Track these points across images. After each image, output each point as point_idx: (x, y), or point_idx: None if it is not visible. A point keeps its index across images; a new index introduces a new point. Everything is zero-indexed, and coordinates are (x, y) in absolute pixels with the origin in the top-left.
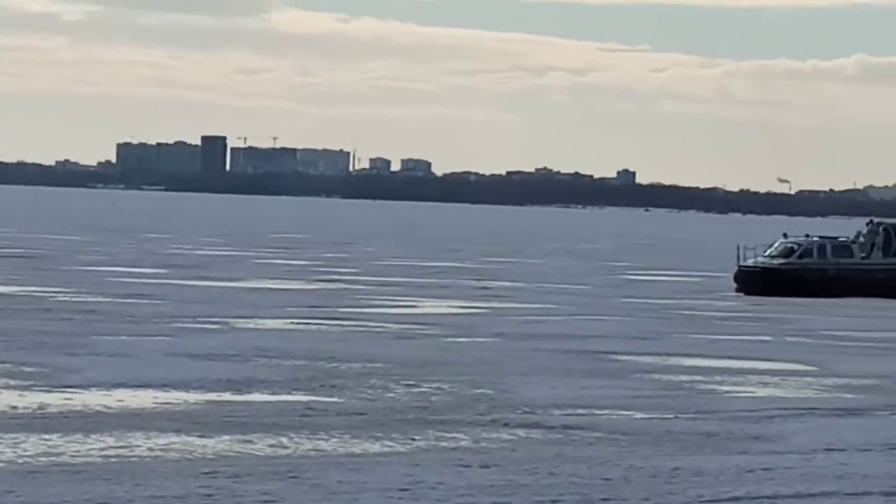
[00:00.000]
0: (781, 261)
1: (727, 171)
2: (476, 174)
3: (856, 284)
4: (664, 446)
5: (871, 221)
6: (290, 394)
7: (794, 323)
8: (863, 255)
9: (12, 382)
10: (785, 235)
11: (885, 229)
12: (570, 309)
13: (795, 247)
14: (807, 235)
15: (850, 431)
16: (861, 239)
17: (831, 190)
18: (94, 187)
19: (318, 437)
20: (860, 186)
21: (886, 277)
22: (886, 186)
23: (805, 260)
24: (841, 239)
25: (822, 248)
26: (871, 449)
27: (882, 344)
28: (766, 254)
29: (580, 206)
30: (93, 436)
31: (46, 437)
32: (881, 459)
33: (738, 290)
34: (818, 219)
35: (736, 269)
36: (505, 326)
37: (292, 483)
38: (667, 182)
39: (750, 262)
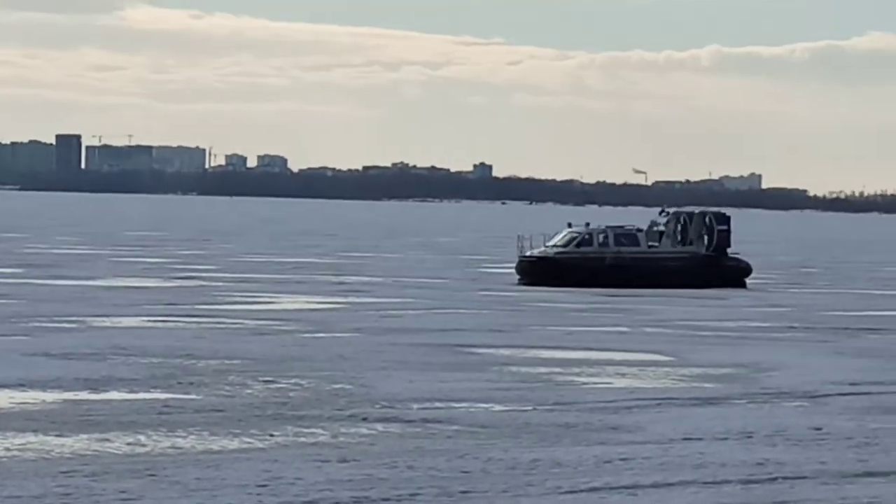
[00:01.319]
0: (559, 250)
1: (583, 163)
2: (333, 169)
3: (638, 273)
4: (522, 438)
5: (664, 211)
6: (147, 392)
7: (652, 314)
8: (651, 244)
9: None
10: (569, 225)
11: (681, 219)
12: (428, 303)
13: (576, 236)
14: (587, 224)
15: (707, 420)
16: (656, 228)
17: (687, 181)
18: None
19: (176, 434)
20: (716, 177)
21: (677, 266)
22: (742, 176)
23: (583, 249)
24: (628, 228)
25: (604, 236)
26: (729, 437)
27: (738, 333)
28: (549, 243)
29: (437, 200)
30: None
31: None
32: (738, 448)
33: (519, 281)
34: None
35: (517, 259)
36: (363, 321)
37: (150, 481)
38: (523, 175)
39: (536, 251)
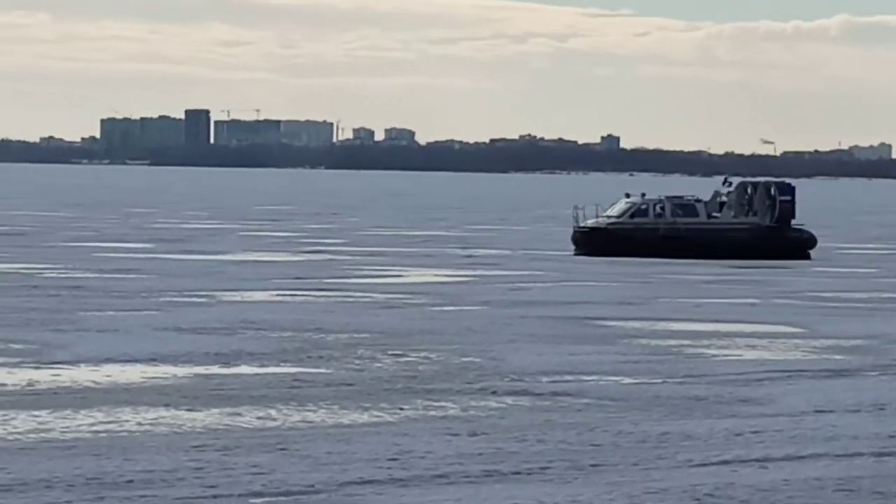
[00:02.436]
0: (612, 220)
1: (711, 133)
2: (460, 142)
3: (695, 244)
4: (653, 411)
5: (727, 181)
6: (277, 366)
7: (782, 285)
8: (713, 214)
9: (1, 360)
10: (627, 195)
11: (747, 189)
12: (556, 275)
13: (631, 206)
14: (642, 195)
15: (839, 393)
16: (719, 199)
17: (816, 151)
18: (79, 163)
19: (306, 408)
20: (845, 147)
21: (737, 237)
22: (871, 146)
23: (637, 219)
24: (687, 198)
25: (660, 207)
26: (861, 410)
27: (869, 304)
28: (605, 214)
29: (565, 172)
30: (82, 411)
31: (36, 413)
32: (871, 420)
33: (575, 252)
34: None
35: (573, 230)
36: (492, 294)
37: (281, 455)
38: (651, 146)
39: (590, 222)
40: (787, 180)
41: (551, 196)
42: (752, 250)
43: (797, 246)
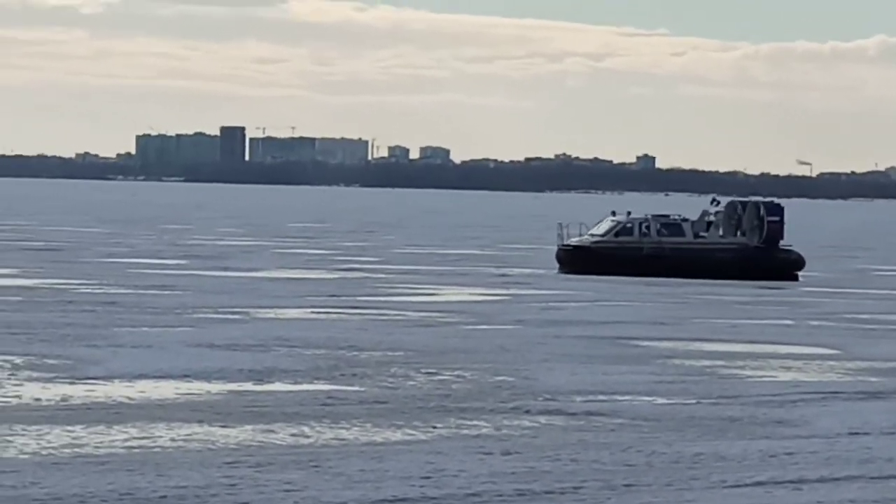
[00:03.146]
0: (596, 238)
1: (747, 154)
2: (495, 161)
3: (680, 263)
4: (686, 432)
5: (715, 200)
6: (311, 383)
7: (817, 307)
8: (700, 234)
9: (35, 375)
10: (613, 213)
11: (736, 208)
12: (590, 295)
13: (616, 224)
14: (628, 213)
15: (874, 415)
16: (707, 218)
17: (853, 172)
18: (114, 179)
19: (339, 425)
20: (882, 168)
21: (723, 257)
22: None
23: (621, 238)
24: (673, 217)
25: (645, 226)
26: (895, 433)
27: None
28: (590, 232)
29: (600, 192)
30: (116, 427)
31: (70, 428)
32: None
33: (559, 269)
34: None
35: (557, 248)
36: (525, 313)
37: (314, 472)
38: (686, 166)
39: (574, 240)
40: (777, 200)
41: (586, 216)
42: (739, 271)
43: (785, 267)
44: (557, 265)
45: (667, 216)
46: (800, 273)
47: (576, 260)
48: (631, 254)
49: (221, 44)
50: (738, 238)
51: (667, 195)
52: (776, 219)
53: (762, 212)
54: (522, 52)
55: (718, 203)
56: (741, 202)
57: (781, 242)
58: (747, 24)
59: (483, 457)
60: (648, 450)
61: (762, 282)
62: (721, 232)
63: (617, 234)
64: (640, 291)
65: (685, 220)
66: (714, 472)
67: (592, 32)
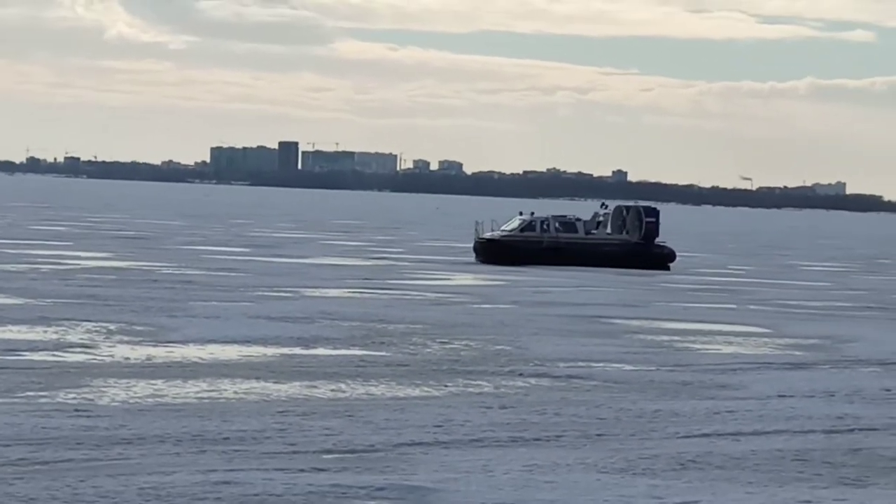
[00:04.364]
0: (506, 233)
1: (700, 170)
2: (499, 173)
3: (573, 255)
4: (648, 392)
5: (603, 204)
6: (347, 349)
7: (754, 294)
8: (591, 231)
9: (125, 339)
10: (520, 213)
11: (622, 211)
12: (573, 282)
13: (522, 222)
14: (532, 213)
15: (797, 381)
16: (597, 219)
17: (785, 187)
18: (192, 182)
19: (369, 383)
20: (809, 184)
21: (609, 251)
22: (830, 184)
23: (526, 233)
24: (569, 217)
25: (546, 223)
26: (815, 396)
27: (824, 311)
28: (501, 228)
29: (583, 199)
30: (189, 381)
31: (152, 382)
32: (822, 404)
33: (475, 259)
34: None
35: (474, 241)
36: (520, 296)
37: (349, 420)
38: (652, 179)
39: (487, 235)
40: (653, 205)
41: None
42: (622, 262)
43: (659, 259)
44: (474, 255)
45: (564, 216)
46: (671, 264)
47: (488, 251)
48: (533, 246)
49: (282, 75)
50: (622, 235)
51: (636, 203)
52: (653, 220)
53: (642, 214)
54: (523, 85)
55: (607, 207)
56: (626, 206)
57: (657, 239)
58: (703, 66)
59: (484, 410)
60: (617, 406)
61: (642, 270)
62: (609, 230)
63: (522, 230)
64: (612, 280)
65: (579, 219)
66: (669, 425)
67: (579, 71)
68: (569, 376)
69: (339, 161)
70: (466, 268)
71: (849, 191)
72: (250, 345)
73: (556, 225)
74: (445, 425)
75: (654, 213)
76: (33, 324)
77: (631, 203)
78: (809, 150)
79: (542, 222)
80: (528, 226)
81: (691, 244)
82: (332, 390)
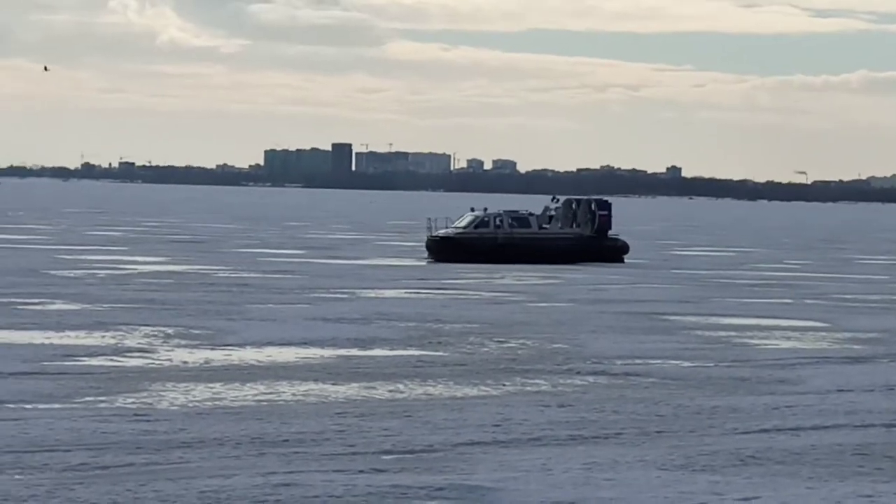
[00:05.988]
0: (459, 230)
1: (755, 165)
2: (552, 171)
3: (528, 251)
4: (705, 389)
5: (555, 198)
6: (404, 349)
7: (812, 288)
8: (543, 226)
9: (183, 342)
10: (472, 209)
11: (571, 205)
12: (630, 279)
13: (475, 219)
14: (485, 209)
15: (857, 376)
16: (548, 213)
17: (840, 180)
18: (247, 185)
19: (427, 383)
20: (864, 177)
21: (562, 245)
22: (885, 177)
23: (479, 230)
24: (521, 212)
25: (499, 219)
26: (874, 390)
27: (883, 304)
28: (454, 225)
29: (637, 196)
30: (247, 384)
31: (211, 385)
32: (882, 398)
33: (428, 257)
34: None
35: (426, 238)
36: (576, 294)
37: (407, 421)
38: (706, 175)
39: (440, 232)
40: (606, 198)
41: (624, 216)
42: (576, 256)
43: (613, 252)
44: (427, 253)
45: (517, 211)
46: (625, 257)
47: (441, 249)
48: (487, 243)
49: (334, 77)
50: (574, 229)
51: (691, 199)
52: (605, 213)
53: (593, 207)
54: (575, 83)
55: (558, 200)
56: (576, 200)
57: (610, 232)
58: (755, 61)
59: (542, 408)
60: (675, 403)
61: (595, 263)
62: (560, 224)
63: (476, 227)
64: (668, 276)
65: (532, 214)
66: (728, 421)
67: (631, 68)
68: (626, 374)
69: (393, 162)
70: (523, 267)
71: None
72: (307, 347)
73: (510, 220)
74: (504, 424)
75: (607, 206)
76: (91, 329)
77: (582, 196)
78: (864, 143)
79: (496, 218)
80: (481, 222)
81: (749, 239)
82: (390, 391)
